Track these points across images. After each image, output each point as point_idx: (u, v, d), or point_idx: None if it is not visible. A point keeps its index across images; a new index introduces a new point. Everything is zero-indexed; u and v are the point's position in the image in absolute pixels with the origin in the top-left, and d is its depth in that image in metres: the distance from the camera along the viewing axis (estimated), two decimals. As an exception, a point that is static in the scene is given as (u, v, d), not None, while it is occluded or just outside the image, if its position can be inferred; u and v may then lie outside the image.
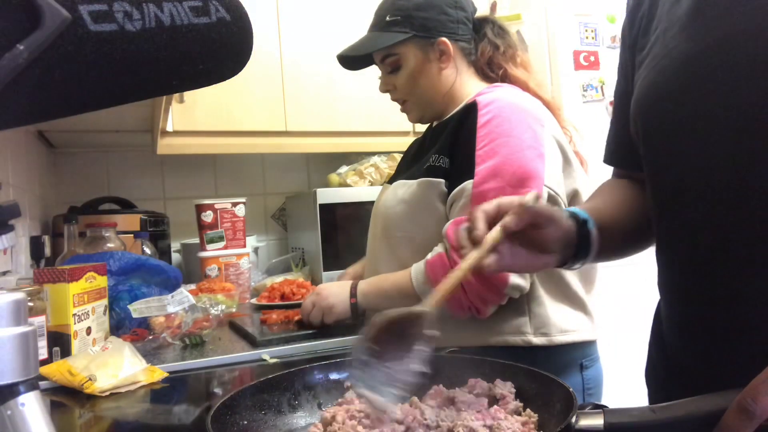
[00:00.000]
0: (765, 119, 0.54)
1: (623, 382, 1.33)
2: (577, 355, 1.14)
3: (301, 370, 0.68)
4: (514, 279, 1.03)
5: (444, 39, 1.20)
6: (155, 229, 1.90)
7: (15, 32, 0.29)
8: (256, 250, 2.20)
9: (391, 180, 1.31)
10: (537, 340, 1.09)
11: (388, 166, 2.11)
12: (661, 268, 0.70)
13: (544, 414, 0.58)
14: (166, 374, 0.98)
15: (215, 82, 0.39)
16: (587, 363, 1.15)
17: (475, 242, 0.64)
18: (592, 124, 2.02)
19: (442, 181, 1.12)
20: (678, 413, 0.50)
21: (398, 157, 1.85)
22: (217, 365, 1.05)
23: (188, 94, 1.86)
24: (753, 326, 0.57)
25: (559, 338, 1.10)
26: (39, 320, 1.01)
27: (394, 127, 2.12)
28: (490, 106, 1.10)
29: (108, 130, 2.06)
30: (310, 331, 1.18)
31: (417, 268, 1.10)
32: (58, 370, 0.93)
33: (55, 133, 1.98)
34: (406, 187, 1.18)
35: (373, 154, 2.17)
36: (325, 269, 1.94)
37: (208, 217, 1.78)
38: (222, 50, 0.37)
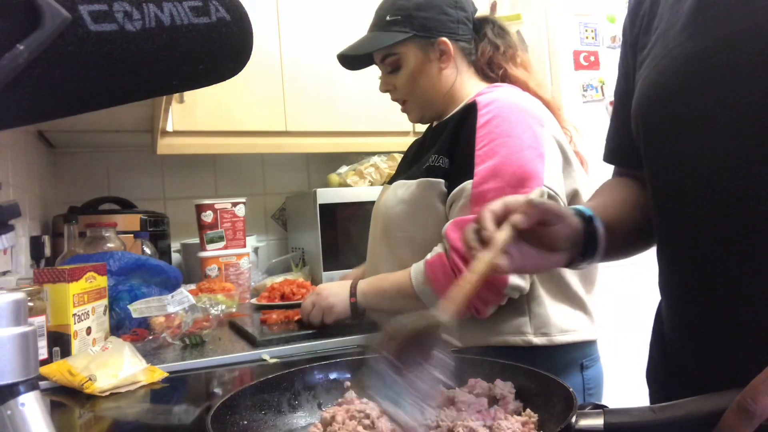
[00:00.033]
0: (765, 119, 0.54)
1: (624, 382, 1.33)
2: (577, 355, 1.14)
3: (301, 370, 0.68)
4: (514, 279, 1.03)
5: (444, 39, 1.20)
6: (155, 229, 1.90)
7: (15, 32, 0.29)
8: (256, 250, 2.20)
9: (391, 180, 1.31)
10: (537, 340, 1.09)
11: (388, 166, 2.11)
12: (662, 268, 0.70)
13: (544, 414, 0.58)
14: (166, 374, 0.98)
15: (215, 82, 0.39)
16: (587, 363, 1.15)
17: (485, 243, 0.63)
18: (592, 124, 2.02)
19: (442, 181, 1.12)
20: (678, 413, 0.50)
21: (398, 157, 1.86)
22: (217, 365, 1.05)
23: (188, 94, 1.86)
24: (753, 326, 0.57)
25: (560, 338, 1.10)
26: (39, 320, 1.01)
27: (394, 127, 2.12)
28: (489, 106, 1.10)
29: (108, 130, 2.06)
30: (310, 331, 1.18)
31: (416, 268, 1.10)
32: (58, 370, 0.93)
33: (55, 133, 1.98)
34: (405, 188, 1.18)
35: (373, 154, 2.17)
36: (325, 269, 1.94)
37: (208, 217, 1.78)
38: (222, 50, 0.37)
